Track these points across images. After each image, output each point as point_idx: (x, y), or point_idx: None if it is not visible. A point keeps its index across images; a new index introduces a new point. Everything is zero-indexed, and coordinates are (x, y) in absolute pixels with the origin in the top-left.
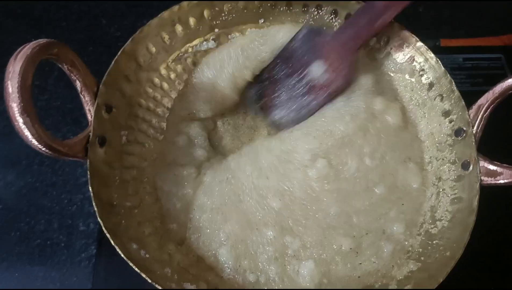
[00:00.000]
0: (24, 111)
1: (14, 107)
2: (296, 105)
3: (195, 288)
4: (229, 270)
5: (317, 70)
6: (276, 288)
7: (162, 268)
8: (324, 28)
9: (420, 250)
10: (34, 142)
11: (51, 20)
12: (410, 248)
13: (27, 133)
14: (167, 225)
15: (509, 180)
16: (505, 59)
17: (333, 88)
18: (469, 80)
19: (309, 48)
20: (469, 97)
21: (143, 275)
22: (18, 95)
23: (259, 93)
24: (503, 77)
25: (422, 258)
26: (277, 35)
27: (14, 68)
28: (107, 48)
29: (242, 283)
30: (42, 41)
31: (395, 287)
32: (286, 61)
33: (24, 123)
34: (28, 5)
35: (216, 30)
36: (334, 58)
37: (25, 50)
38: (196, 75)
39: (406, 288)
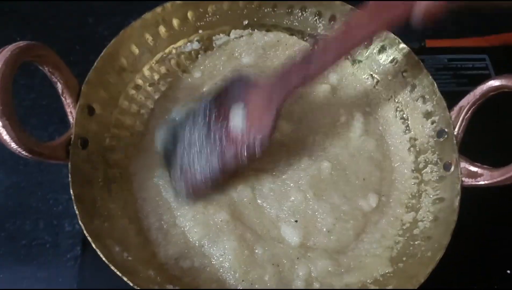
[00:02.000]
0: (3, 114)
1: None
2: (207, 164)
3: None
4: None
5: (237, 116)
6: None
7: (146, 270)
8: (253, 75)
9: (402, 250)
10: (14, 145)
11: (38, 18)
12: (391, 248)
13: (5, 136)
14: (151, 226)
15: (490, 181)
16: (489, 59)
17: (249, 144)
18: (454, 81)
19: (234, 95)
20: (454, 98)
21: (124, 278)
22: None
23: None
24: (488, 78)
25: (403, 258)
26: None
27: None
28: (94, 47)
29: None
30: (22, 43)
31: (377, 287)
32: (209, 109)
33: (3, 126)
34: (15, 3)
35: (200, 31)
36: (255, 111)
37: (4, 53)
38: None
39: (388, 288)
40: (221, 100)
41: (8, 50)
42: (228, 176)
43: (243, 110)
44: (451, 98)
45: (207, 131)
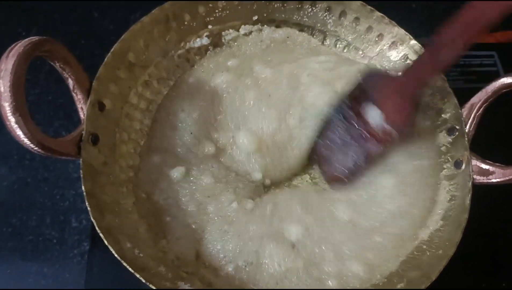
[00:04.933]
0: (16, 110)
1: (6, 106)
2: (350, 157)
3: (189, 287)
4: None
5: (373, 118)
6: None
7: (157, 266)
8: (384, 69)
9: (412, 248)
10: (26, 141)
11: (43, 12)
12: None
13: (19, 132)
14: (161, 221)
15: (501, 179)
16: (497, 56)
17: (388, 141)
18: (462, 78)
19: (368, 91)
20: (462, 95)
21: (137, 275)
22: (10, 94)
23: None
24: (496, 74)
25: (414, 256)
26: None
27: (6, 66)
28: (99, 41)
29: None
30: (34, 38)
31: (386, 286)
32: (345, 108)
33: (16, 122)
34: None
35: (210, 26)
36: (391, 105)
37: (17, 48)
38: None
39: (398, 286)
40: (356, 97)
41: (21, 45)
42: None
43: (378, 103)
44: (460, 95)
45: (346, 130)
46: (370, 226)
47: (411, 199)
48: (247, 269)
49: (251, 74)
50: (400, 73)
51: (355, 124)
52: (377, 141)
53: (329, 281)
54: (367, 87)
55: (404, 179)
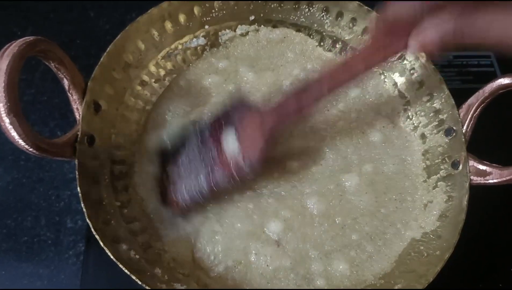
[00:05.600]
0: (10, 111)
1: (0, 107)
2: (195, 184)
3: (185, 289)
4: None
5: (230, 148)
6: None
7: (152, 268)
8: (252, 103)
9: (410, 249)
10: (21, 142)
11: (39, 12)
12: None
13: (13, 133)
14: (156, 223)
15: (499, 180)
16: (494, 57)
17: (237, 175)
18: (459, 78)
19: (229, 118)
20: (459, 95)
21: (133, 277)
22: (4, 94)
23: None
24: (493, 75)
25: (411, 257)
26: None
27: (0, 66)
28: (95, 41)
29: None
30: (29, 38)
31: (384, 286)
32: (206, 130)
33: (11, 123)
34: None
35: (206, 26)
36: (249, 138)
37: (12, 48)
38: None
39: (396, 287)
40: (217, 122)
41: (15, 45)
42: (217, 196)
43: (236, 133)
44: (457, 96)
45: (198, 151)
46: (343, 223)
47: (376, 198)
48: (236, 269)
49: (236, 76)
50: (266, 108)
51: (210, 149)
52: (227, 172)
53: (317, 281)
54: (232, 115)
55: (367, 178)
